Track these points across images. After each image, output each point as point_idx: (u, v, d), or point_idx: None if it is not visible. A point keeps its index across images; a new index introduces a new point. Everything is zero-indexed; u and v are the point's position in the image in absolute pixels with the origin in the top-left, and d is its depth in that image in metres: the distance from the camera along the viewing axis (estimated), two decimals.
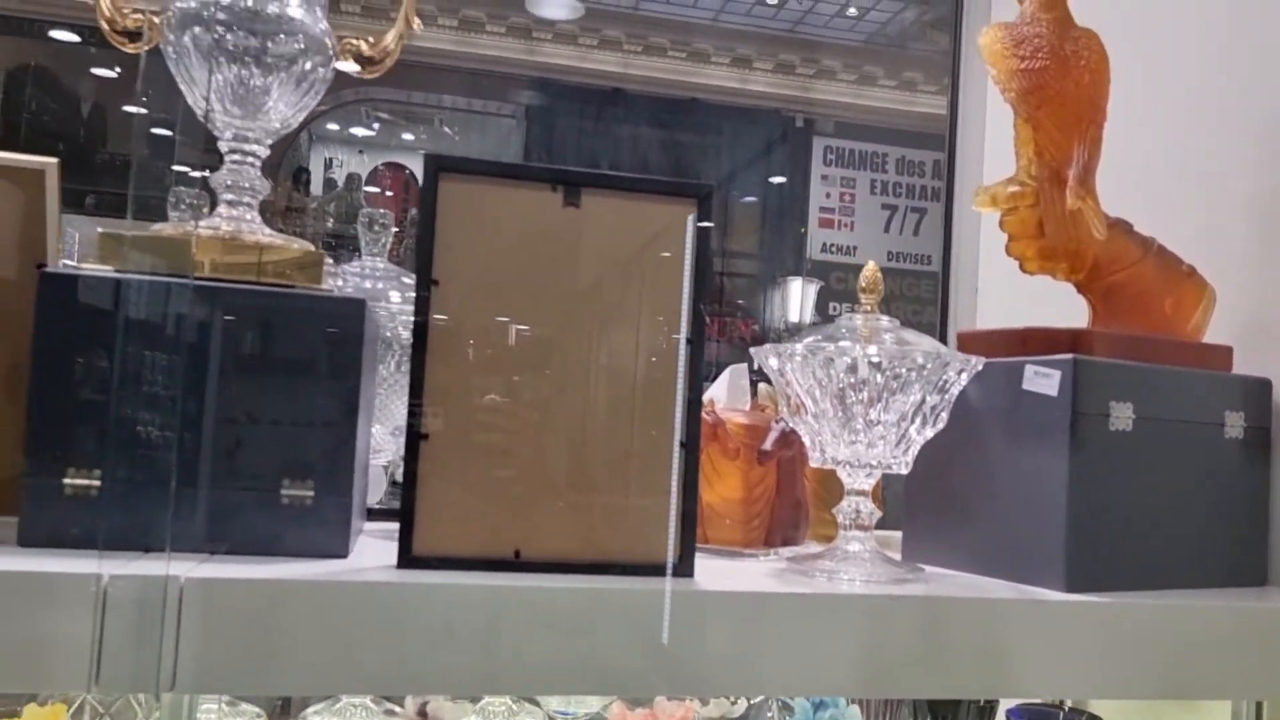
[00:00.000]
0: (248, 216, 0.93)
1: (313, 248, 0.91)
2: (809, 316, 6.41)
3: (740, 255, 6.98)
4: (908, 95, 6.73)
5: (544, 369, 0.86)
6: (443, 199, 0.84)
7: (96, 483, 0.81)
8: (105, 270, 0.84)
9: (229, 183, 0.92)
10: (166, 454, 0.82)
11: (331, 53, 0.95)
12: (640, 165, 6.57)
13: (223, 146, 0.93)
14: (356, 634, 0.76)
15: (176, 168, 1.08)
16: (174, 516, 0.82)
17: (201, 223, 0.92)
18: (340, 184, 7.24)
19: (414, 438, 0.84)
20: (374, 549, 0.90)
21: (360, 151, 7.43)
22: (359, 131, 7.30)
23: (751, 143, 6.87)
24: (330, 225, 6.75)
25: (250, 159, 0.93)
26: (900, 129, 6.70)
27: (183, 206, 1.10)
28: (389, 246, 1.18)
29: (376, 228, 1.14)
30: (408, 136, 7.39)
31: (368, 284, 1.16)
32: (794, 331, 6.30)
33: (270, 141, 0.95)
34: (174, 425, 0.82)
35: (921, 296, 6.75)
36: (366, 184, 7.08)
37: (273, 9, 0.92)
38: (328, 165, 7.32)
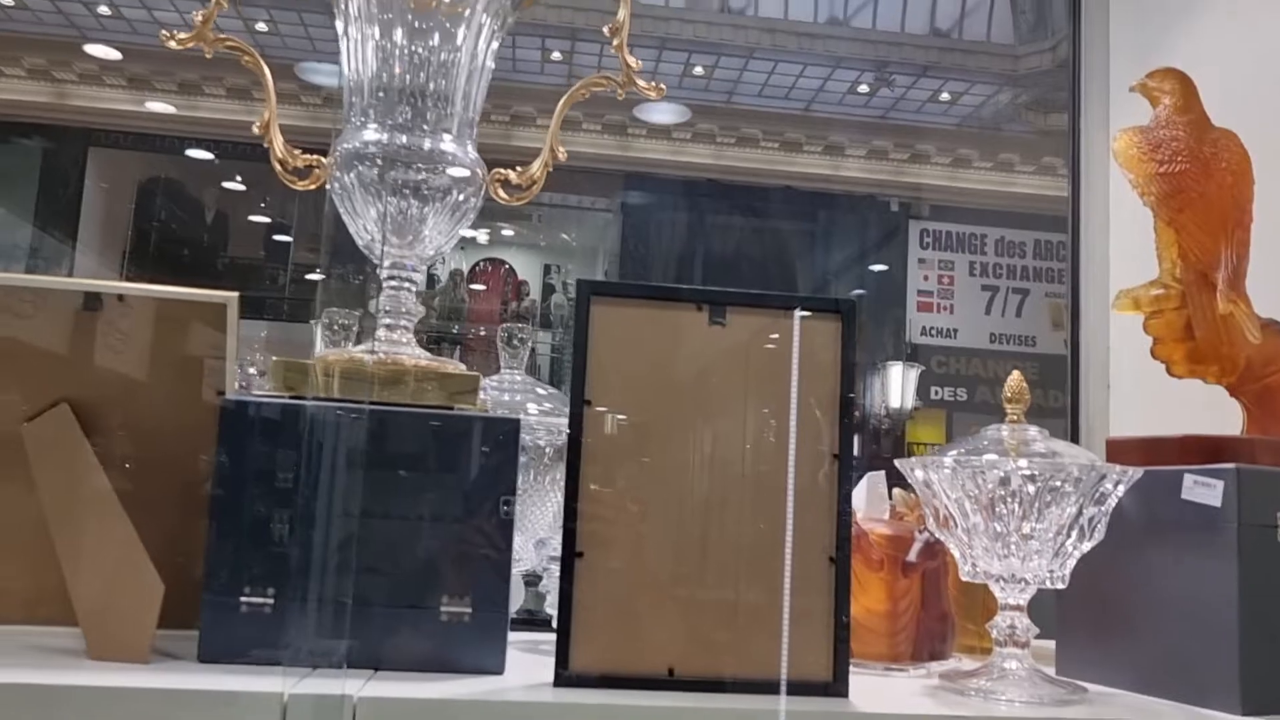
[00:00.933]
0: (404, 340, 0.97)
1: (465, 368, 0.95)
2: (910, 402, 6.30)
3: None
4: (1004, 176, 6.68)
5: (695, 486, 0.87)
6: (594, 321, 0.88)
7: (270, 600, 0.85)
8: (280, 397, 0.89)
9: (387, 308, 0.97)
10: (336, 573, 0.85)
11: (482, 182, 1.00)
12: (735, 255, 6.63)
13: (381, 274, 0.99)
14: None
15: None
16: (341, 633, 0.85)
17: (361, 347, 0.96)
18: (443, 280, 7.47)
19: (569, 555, 0.85)
20: (524, 663, 0.91)
21: (461, 248, 7.67)
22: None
23: (846, 228, 6.89)
24: (435, 321, 6.95)
25: (407, 285, 0.99)
26: (998, 210, 6.64)
27: (335, 328, 1.16)
28: (525, 361, 1.21)
29: (515, 342, 1.18)
30: (507, 232, 7.62)
31: (505, 396, 1.19)
32: (895, 417, 6.19)
33: (424, 268, 1.00)
34: (341, 545, 0.86)
35: (1027, 378, 6.57)
36: (468, 279, 7.29)
37: (428, 145, 0.98)
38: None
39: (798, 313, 0.90)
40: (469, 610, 0.87)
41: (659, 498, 0.87)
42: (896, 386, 6.19)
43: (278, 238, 6.68)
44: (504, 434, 0.89)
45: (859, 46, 6.16)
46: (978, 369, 6.47)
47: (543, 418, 1.16)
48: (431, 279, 7.44)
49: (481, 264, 7.52)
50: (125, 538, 0.85)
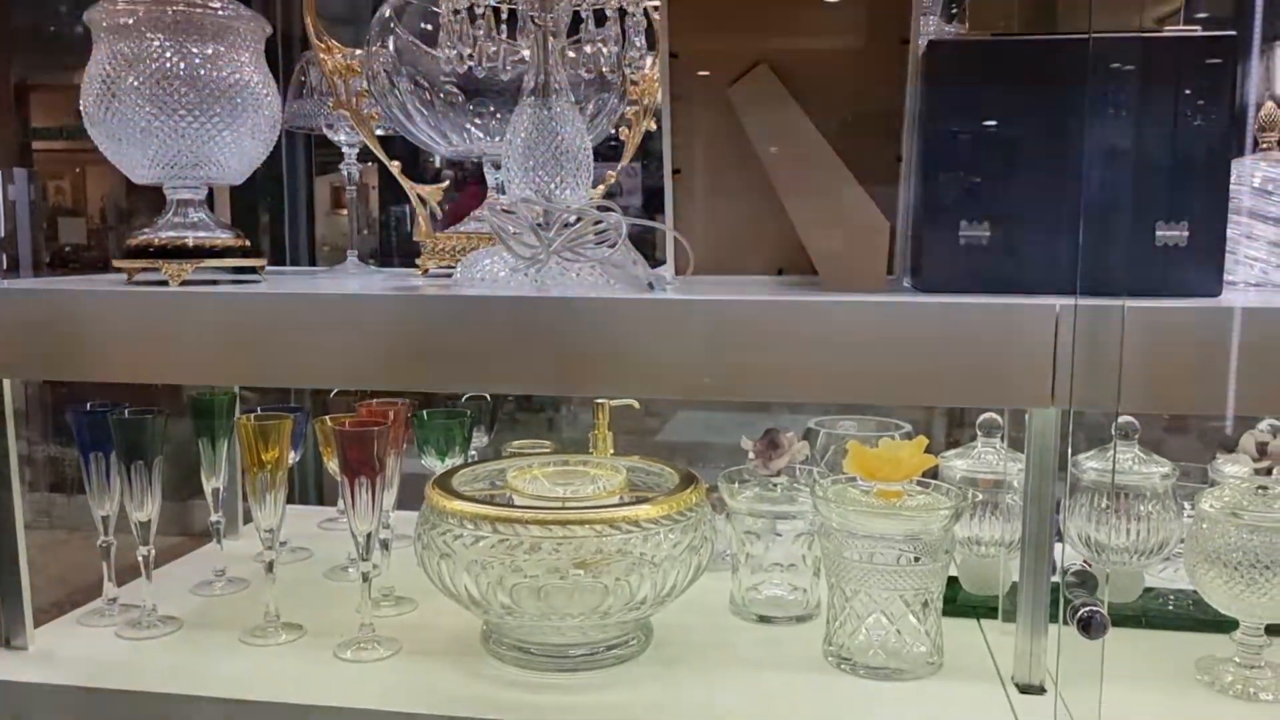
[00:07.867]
0: None
1: None
2: None
3: None
4: None
5: None
6: None
7: (986, 233, 0.89)
8: (981, 34, 0.89)
9: None
10: (1044, 203, 0.87)
11: None
12: None
13: None
14: None
15: None
16: (1056, 260, 0.88)
17: None
18: None
19: None
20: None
21: None
22: None
23: None
24: None
25: None
26: None
27: None
28: None
29: None
30: None
31: None
32: None
33: None
34: (1050, 177, 0.87)
35: None
36: None
37: None
38: None
39: None
40: (1185, 234, 0.87)
41: None
42: None
43: None
44: (1216, 53, 0.85)
45: None
46: None
47: None
48: None
49: None
50: (845, 181, 0.91)
